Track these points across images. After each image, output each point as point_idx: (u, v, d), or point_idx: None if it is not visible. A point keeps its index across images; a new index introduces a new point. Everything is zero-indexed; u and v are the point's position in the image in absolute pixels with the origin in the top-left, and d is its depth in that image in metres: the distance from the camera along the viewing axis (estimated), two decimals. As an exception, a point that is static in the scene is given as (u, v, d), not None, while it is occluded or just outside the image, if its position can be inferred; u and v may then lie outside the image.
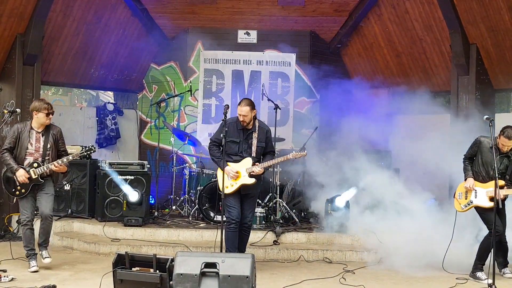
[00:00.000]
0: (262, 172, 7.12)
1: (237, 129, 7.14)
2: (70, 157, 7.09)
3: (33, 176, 6.99)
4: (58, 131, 7.30)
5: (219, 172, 7.11)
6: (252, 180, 7.06)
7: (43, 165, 7.04)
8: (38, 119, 7.11)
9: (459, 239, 7.58)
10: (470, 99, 9.76)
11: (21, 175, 6.93)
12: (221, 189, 7.00)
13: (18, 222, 9.16)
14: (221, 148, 7.05)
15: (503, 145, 7.03)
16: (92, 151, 7.19)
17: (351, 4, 11.12)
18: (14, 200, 7.29)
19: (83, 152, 7.15)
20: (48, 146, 7.15)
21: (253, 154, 7.12)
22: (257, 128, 7.20)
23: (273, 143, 7.60)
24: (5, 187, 7.15)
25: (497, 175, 6.69)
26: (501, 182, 7.00)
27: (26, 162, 7.06)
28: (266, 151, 7.28)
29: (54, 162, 7.02)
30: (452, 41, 9.84)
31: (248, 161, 7.10)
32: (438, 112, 9.70)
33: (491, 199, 6.91)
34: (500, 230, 6.98)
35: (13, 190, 7.04)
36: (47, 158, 7.13)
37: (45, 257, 7.18)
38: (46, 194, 7.16)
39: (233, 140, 7.11)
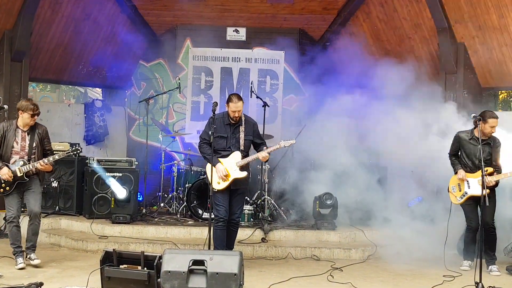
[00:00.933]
0: (266, 159, 7.24)
1: (224, 124, 7.15)
2: (56, 156, 7.08)
3: (18, 174, 6.96)
4: (43, 130, 7.30)
5: (208, 168, 7.08)
6: (244, 174, 7.07)
7: (29, 163, 7.02)
8: (23, 118, 7.11)
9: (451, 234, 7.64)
10: (457, 97, 9.83)
11: (4, 173, 6.91)
12: (211, 185, 6.98)
13: (4, 219, 9.11)
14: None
15: (493, 127, 7.14)
16: (78, 151, 7.19)
17: (339, 2, 11.14)
18: None
19: (69, 152, 7.16)
20: (34, 145, 7.14)
21: (241, 148, 7.13)
22: (243, 122, 7.21)
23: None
24: None
25: (482, 168, 6.68)
26: (490, 169, 7.19)
27: (12, 161, 7.04)
28: (257, 143, 7.30)
29: (40, 161, 7.01)
30: (440, 39, 9.89)
31: (237, 155, 7.09)
32: (426, 111, 9.72)
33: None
34: (485, 224, 7.10)
35: None
36: (32, 156, 7.12)
37: (34, 259, 7.12)
38: (34, 192, 7.15)
39: (221, 135, 7.11)
